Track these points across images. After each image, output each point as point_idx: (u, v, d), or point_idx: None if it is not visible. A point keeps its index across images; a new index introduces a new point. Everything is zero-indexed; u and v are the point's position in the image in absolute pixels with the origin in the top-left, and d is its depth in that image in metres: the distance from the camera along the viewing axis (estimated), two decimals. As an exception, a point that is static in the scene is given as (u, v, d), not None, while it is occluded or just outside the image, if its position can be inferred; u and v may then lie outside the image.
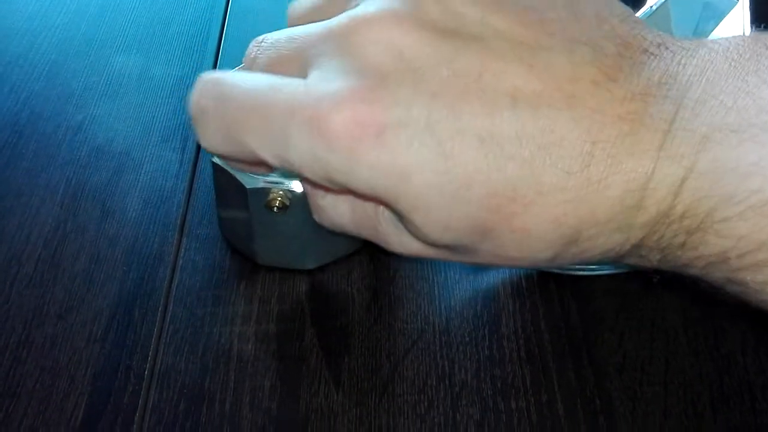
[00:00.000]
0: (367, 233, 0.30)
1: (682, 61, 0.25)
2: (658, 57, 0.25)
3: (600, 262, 0.27)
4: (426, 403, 0.35)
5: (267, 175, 0.36)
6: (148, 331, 0.38)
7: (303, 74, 0.27)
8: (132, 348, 0.37)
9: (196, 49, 0.54)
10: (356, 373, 0.36)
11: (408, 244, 0.28)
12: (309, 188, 0.31)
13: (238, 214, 0.38)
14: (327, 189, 0.29)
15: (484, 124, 0.24)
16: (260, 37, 0.30)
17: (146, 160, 0.46)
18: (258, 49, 0.30)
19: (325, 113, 0.25)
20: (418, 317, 0.38)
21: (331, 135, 0.25)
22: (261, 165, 0.28)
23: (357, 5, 0.27)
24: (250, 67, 0.30)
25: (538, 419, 0.35)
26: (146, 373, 0.36)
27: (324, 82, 0.26)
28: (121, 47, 0.54)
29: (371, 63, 0.25)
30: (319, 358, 0.37)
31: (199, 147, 0.47)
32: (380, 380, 0.36)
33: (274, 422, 0.34)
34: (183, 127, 0.48)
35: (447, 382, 0.36)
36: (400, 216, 0.27)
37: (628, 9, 0.27)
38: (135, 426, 0.34)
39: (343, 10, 0.27)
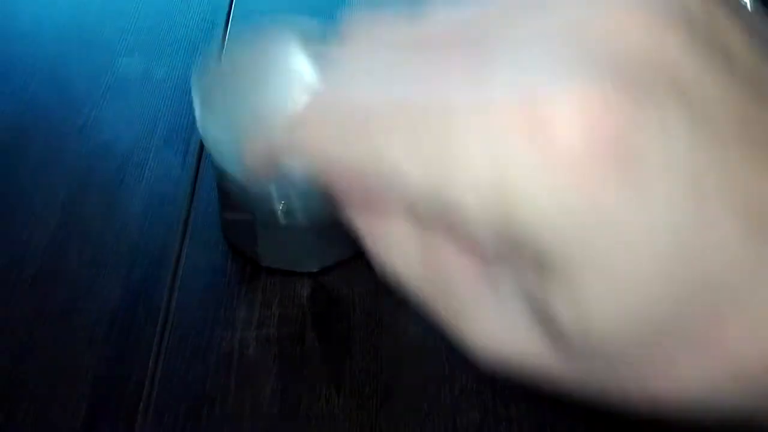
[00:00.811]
0: (440, 297, 0.20)
1: None
2: None
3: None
4: (427, 408, 0.35)
5: (271, 179, 0.36)
6: (149, 334, 0.38)
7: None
8: (133, 350, 0.37)
9: (199, 51, 0.54)
10: (357, 377, 0.36)
11: (508, 334, 0.19)
12: (346, 202, 0.20)
13: (242, 217, 0.38)
14: (382, 211, 0.20)
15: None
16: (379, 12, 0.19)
17: (149, 162, 0.46)
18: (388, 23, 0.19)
19: (547, 112, 0.15)
20: (419, 322, 0.38)
21: (561, 149, 0.15)
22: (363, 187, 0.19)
23: None
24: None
25: (539, 423, 0.35)
26: (147, 375, 0.36)
27: (531, 70, 0.16)
28: (125, 49, 0.54)
29: (610, 54, 0.16)
30: (321, 363, 0.37)
31: (201, 149, 0.47)
32: (381, 385, 0.36)
33: (274, 426, 0.34)
34: (185, 129, 0.48)
35: (448, 386, 0.36)
36: (545, 267, 0.16)
37: None
38: (136, 429, 0.34)
39: None
